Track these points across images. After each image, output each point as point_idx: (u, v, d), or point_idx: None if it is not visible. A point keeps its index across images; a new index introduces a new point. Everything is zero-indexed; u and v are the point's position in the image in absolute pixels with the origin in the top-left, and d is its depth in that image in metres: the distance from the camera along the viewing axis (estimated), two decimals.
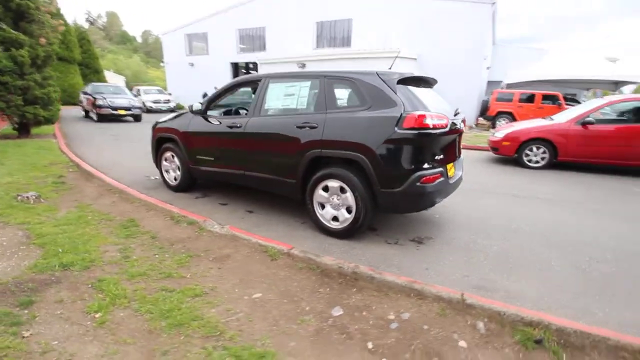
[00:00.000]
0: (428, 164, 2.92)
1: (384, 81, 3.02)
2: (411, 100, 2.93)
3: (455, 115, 3.39)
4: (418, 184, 2.87)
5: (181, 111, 4.99)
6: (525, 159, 6.47)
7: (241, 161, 3.83)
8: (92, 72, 23.20)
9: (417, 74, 3.34)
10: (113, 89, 14.23)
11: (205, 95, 21.52)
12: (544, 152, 6.31)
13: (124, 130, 10.63)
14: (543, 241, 3.22)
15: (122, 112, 12.89)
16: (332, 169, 3.15)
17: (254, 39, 20.72)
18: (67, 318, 1.93)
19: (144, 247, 2.88)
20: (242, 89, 4.53)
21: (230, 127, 3.84)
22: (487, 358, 1.76)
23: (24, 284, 2.22)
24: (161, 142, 4.77)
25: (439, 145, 3.02)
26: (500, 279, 2.53)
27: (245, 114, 4.88)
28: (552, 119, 6.67)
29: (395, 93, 2.95)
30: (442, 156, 3.07)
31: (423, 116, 2.81)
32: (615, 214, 4.07)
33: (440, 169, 3.03)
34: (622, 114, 5.95)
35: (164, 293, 2.20)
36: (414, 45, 15.59)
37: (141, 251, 2.81)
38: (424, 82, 3.42)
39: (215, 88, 23.09)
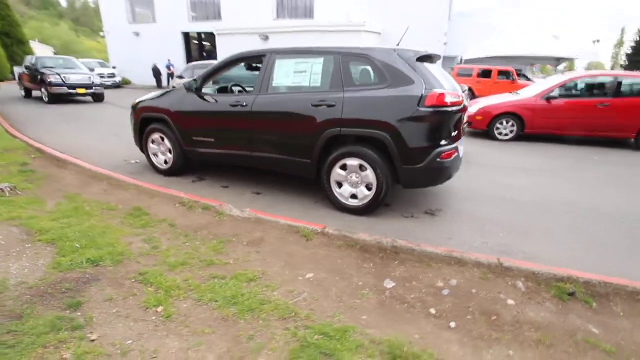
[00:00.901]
0: (445, 140, 3.08)
1: (403, 59, 3.06)
2: (429, 78, 3.02)
3: (463, 92, 3.56)
4: (438, 159, 3.03)
5: (166, 89, 4.62)
6: (496, 132, 6.99)
7: (247, 142, 3.70)
8: (14, 42, 20.18)
9: (427, 51, 3.40)
10: (64, 62, 12.24)
11: (155, 68, 19.82)
12: (512, 126, 6.86)
13: (82, 112, 9.52)
14: (536, 208, 3.60)
15: (82, 90, 10.99)
16: (352, 148, 3.19)
17: (207, 6, 19.26)
18: (128, 316, 1.82)
19: (169, 236, 2.74)
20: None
21: (234, 105, 3.66)
22: (534, 312, 2.01)
23: (59, 285, 2.03)
24: (146, 123, 4.41)
25: (454, 122, 3.17)
26: (514, 243, 2.81)
27: (239, 91, 4.69)
28: (518, 94, 7.23)
29: (415, 71, 3.01)
30: (455, 132, 3.24)
31: (443, 95, 2.93)
32: (585, 180, 4.63)
33: (455, 144, 3.21)
34: (581, 89, 6.62)
35: (217, 281, 2.15)
36: (377, 20, 15.59)
37: (167, 240, 2.68)
38: (430, 58, 3.52)
39: (169, 61, 21.23)
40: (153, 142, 4.42)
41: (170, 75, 20.60)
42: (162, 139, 4.32)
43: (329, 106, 3.19)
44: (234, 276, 2.21)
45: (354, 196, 3.33)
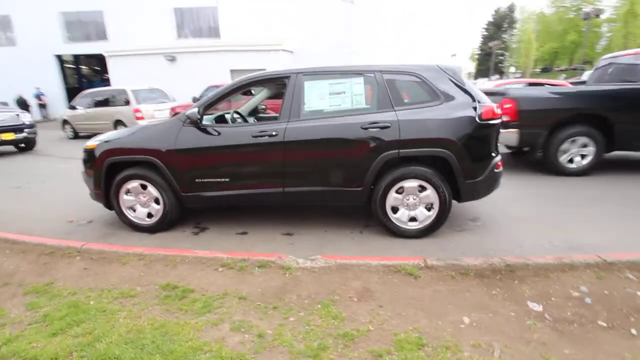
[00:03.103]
0: (495, 151, 3.18)
1: (448, 74, 3.06)
2: (476, 91, 3.09)
3: None
4: (495, 170, 3.10)
5: (142, 124, 3.65)
6: None
7: (278, 177, 3.16)
8: None
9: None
10: None
11: (21, 99, 15.88)
12: None
13: None
14: (554, 201, 3.96)
15: (8, 136, 7.85)
16: (410, 169, 3.01)
17: (86, 26, 16.51)
18: None
19: (257, 314, 2.07)
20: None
21: (258, 136, 3.09)
22: None
23: None
24: (114, 169, 3.39)
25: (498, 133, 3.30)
26: (571, 238, 3.03)
27: (253, 120, 4.05)
28: None
29: (464, 85, 3.04)
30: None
31: (493, 107, 3.03)
32: None
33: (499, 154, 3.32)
34: None
35: (389, 357, 1.68)
36: (289, 38, 15.81)
37: (260, 321, 2.01)
38: None
39: (38, 89, 17.85)
40: (129, 192, 3.41)
41: (42, 106, 16.88)
42: (144, 187, 3.37)
43: (383, 127, 2.96)
44: (399, 346, 1.77)
45: (412, 219, 3.15)
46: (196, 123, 3.14)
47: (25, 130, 8.34)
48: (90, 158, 3.47)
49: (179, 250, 2.86)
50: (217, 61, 14.17)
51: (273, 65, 13.88)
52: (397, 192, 3.07)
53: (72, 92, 17.68)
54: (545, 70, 46.66)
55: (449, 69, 3.09)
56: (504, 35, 51.29)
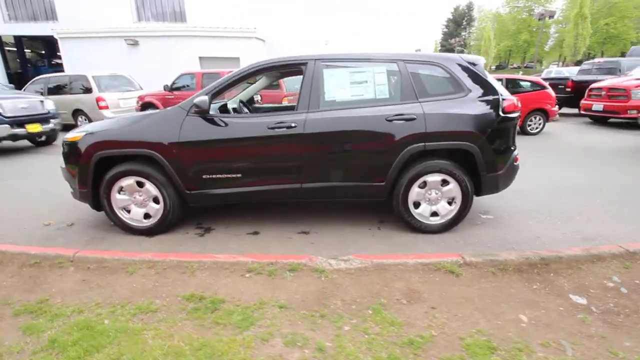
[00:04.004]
0: (514, 144, 3.19)
1: (471, 66, 3.00)
2: (496, 84, 3.06)
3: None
4: (514, 163, 3.12)
5: (137, 113, 3.23)
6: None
7: (295, 172, 2.95)
8: None
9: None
10: None
11: None
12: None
13: None
14: (559, 191, 4.10)
15: (34, 127, 6.44)
16: (434, 162, 2.93)
17: (32, 4, 14.69)
18: None
19: (307, 324, 1.88)
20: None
21: (275, 127, 2.85)
22: None
23: None
24: (104, 165, 2.99)
25: None
26: (584, 229, 3.13)
27: (261, 110, 3.71)
28: None
29: (486, 78, 3.00)
30: None
31: (514, 100, 3.02)
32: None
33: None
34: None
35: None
36: (262, 26, 15.23)
37: (312, 332, 1.83)
38: None
39: None
40: (121, 191, 3.02)
41: None
42: (140, 185, 3.00)
43: (408, 120, 2.85)
44: (471, 351, 1.68)
45: (433, 214, 3.09)
46: (205, 113, 2.83)
47: (52, 120, 6.96)
48: (72, 152, 3.03)
49: (194, 255, 2.57)
50: (185, 47, 13.29)
51: (246, 53, 13.32)
52: (419, 186, 2.99)
53: (14, 78, 15.79)
54: (500, 68, 49.57)
55: (472, 60, 3.04)
56: (463, 33, 53.57)
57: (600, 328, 1.90)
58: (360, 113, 2.88)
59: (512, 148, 3.10)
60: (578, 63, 22.15)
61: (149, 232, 3.12)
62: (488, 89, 2.95)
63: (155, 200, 3.06)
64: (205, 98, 2.78)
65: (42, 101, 7.02)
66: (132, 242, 2.98)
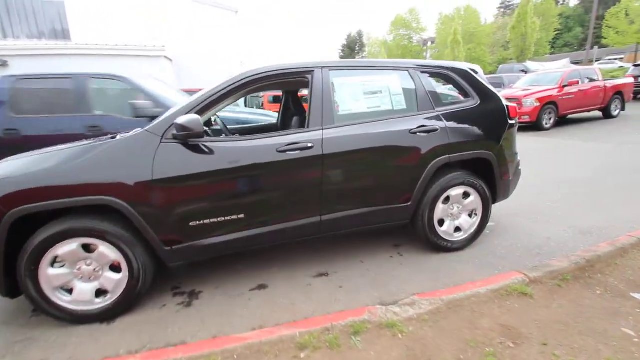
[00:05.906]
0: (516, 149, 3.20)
1: (475, 75, 2.93)
2: (497, 91, 3.05)
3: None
4: (519, 168, 3.12)
5: (74, 144, 2.19)
6: None
7: (316, 201, 2.39)
8: None
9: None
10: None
11: None
12: None
13: None
14: (554, 187, 4.27)
15: None
16: (457, 175, 2.72)
17: None
18: None
19: None
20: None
21: (286, 150, 2.27)
22: None
23: None
24: (22, 226, 1.96)
25: None
26: (576, 223, 3.28)
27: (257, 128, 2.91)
28: None
29: (489, 85, 2.96)
30: None
31: (515, 107, 3.05)
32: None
33: None
34: None
35: None
36: (169, 44, 13.83)
37: None
38: None
39: None
40: (56, 262, 2.01)
41: None
42: (89, 249, 2.04)
43: (430, 131, 2.58)
44: None
45: (456, 229, 2.86)
46: (199, 136, 2.06)
47: None
48: None
49: (206, 344, 1.75)
50: (69, 67, 11.08)
51: (153, 74, 11.80)
52: (442, 202, 2.74)
53: None
54: None
55: (474, 69, 2.97)
56: (357, 57, 58.79)
57: None
58: (382, 127, 2.50)
59: (517, 153, 3.11)
60: None
61: (106, 315, 2.13)
62: (493, 96, 2.90)
63: (114, 269, 2.10)
64: (196, 117, 2.03)
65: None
66: (83, 339, 1.96)
